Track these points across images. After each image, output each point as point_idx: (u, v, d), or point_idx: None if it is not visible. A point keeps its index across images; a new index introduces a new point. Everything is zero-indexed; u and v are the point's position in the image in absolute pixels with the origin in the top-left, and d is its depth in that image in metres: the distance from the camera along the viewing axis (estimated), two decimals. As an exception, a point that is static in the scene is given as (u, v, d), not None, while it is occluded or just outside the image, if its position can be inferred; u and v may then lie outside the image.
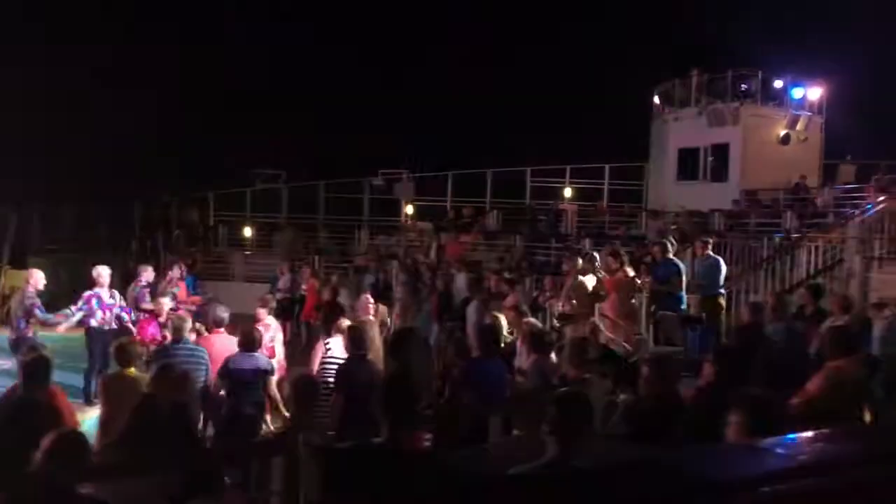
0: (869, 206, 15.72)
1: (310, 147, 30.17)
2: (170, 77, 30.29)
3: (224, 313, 8.69)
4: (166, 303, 10.85)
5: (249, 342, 7.68)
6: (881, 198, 15.78)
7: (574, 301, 10.22)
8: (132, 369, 6.97)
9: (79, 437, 4.17)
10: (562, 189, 26.61)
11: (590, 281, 10.30)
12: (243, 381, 7.48)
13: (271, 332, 9.59)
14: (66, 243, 22.51)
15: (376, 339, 8.33)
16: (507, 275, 15.09)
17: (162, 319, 10.10)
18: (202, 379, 7.63)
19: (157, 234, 24.49)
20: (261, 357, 7.84)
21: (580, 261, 10.99)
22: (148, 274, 12.81)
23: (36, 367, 5.80)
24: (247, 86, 31.69)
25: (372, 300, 10.43)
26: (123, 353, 7.03)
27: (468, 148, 29.70)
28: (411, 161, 27.11)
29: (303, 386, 5.74)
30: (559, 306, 10.73)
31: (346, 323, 8.13)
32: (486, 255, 21.67)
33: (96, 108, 27.73)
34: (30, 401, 5.54)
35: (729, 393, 4.21)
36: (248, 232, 25.14)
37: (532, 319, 9.24)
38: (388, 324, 11.67)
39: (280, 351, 9.75)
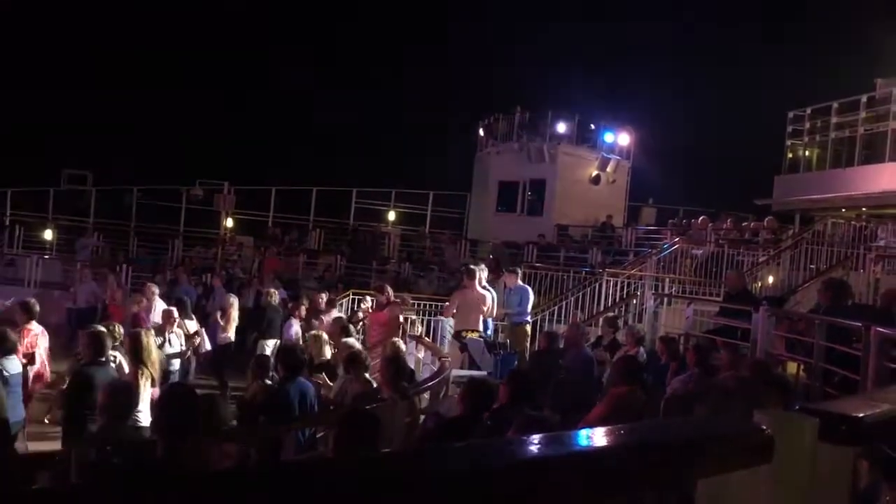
0: (665, 245, 17.08)
1: (123, 149, 28.61)
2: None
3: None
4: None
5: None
6: (676, 240, 17.20)
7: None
8: None
9: None
10: (386, 212, 26.87)
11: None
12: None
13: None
14: None
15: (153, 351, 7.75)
16: (325, 294, 15.05)
17: None
18: None
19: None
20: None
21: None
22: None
23: None
24: (59, 76, 29.65)
25: (177, 313, 10.05)
26: None
27: (292, 163, 29.36)
28: (232, 172, 26.40)
29: (114, 394, 5.09)
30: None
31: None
32: (306, 273, 21.45)
33: None
34: None
35: (516, 414, 4.38)
36: (48, 234, 23.35)
37: (350, 339, 9.23)
38: (199, 337, 11.26)
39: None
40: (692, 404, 7.68)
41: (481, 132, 26.48)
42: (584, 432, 1.29)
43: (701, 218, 19.50)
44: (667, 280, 14.73)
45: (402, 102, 32.58)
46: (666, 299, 13.07)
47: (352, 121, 31.84)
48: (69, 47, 30.32)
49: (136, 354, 6.63)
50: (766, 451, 1.42)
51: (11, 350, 7.44)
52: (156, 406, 3.64)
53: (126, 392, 4.70)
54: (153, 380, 6.52)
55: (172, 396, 3.58)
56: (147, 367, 6.43)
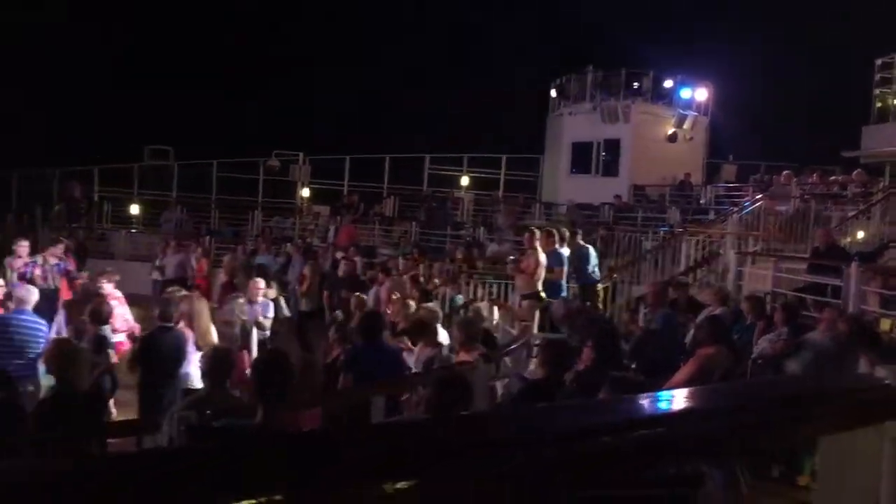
0: (747, 203, 16.58)
1: (202, 123, 29.24)
2: (59, 46, 28.76)
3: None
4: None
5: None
6: (758, 196, 16.67)
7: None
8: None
9: None
10: (459, 178, 26.84)
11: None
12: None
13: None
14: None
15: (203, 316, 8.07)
16: (402, 260, 15.27)
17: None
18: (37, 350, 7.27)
19: (35, 208, 23.22)
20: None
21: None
22: (23, 249, 12.16)
23: None
24: (139, 57, 30.43)
25: (263, 283, 10.33)
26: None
27: (367, 132, 29.53)
28: (307, 142, 26.76)
29: (215, 359, 5.25)
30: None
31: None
32: (382, 240, 21.70)
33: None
34: None
35: (602, 376, 4.35)
36: (134, 209, 24.18)
37: (430, 304, 9.33)
38: (283, 306, 11.53)
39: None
40: (781, 364, 7.51)
41: (553, 93, 26.10)
42: (705, 388, 1.27)
43: (784, 173, 18.82)
44: (750, 238, 14.30)
45: (473, 65, 32.34)
46: (750, 258, 12.71)
47: (422, 87, 31.81)
48: (148, 27, 31.06)
49: (191, 319, 7.23)
50: (892, 406, 1.36)
51: (107, 321, 7.82)
52: (253, 372, 3.75)
53: (225, 358, 4.86)
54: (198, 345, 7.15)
55: (269, 362, 3.68)
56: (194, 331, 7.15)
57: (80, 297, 10.12)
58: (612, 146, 23.95)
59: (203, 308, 7.59)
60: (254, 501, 1.07)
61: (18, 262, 11.79)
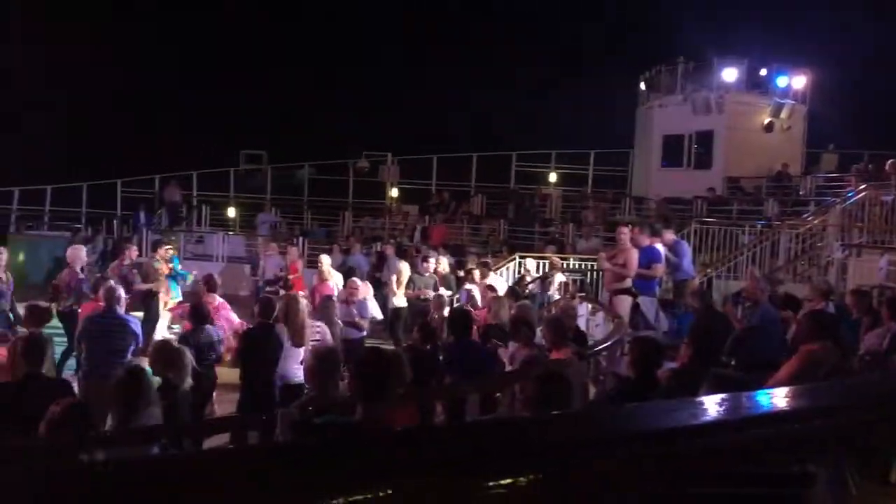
0: (850, 193, 15.90)
1: (291, 127, 30.01)
2: (154, 55, 30.04)
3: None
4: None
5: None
6: (862, 186, 15.96)
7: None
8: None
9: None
10: (547, 174, 26.67)
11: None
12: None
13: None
14: (45, 222, 22.48)
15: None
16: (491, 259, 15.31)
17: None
18: (130, 349, 7.61)
19: (139, 212, 24.34)
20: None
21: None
22: (132, 253, 12.77)
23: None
24: (230, 65, 31.43)
25: (359, 283, 10.57)
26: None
27: (452, 131, 29.66)
28: (395, 143, 27.10)
29: (320, 358, 5.28)
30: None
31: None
32: (470, 238, 21.78)
33: (78, 85, 27.47)
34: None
35: (701, 374, 4.27)
36: (231, 212, 25.02)
37: (526, 302, 9.33)
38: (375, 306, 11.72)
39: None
40: (889, 361, 7.18)
41: (642, 86, 25.64)
42: (810, 386, 1.25)
43: (889, 162, 17.97)
44: (854, 230, 13.72)
45: (559, 60, 32.02)
46: (854, 250, 12.20)
47: (508, 83, 31.72)
48: (241, 34, 32.03)
49: (288, 317, 7.51)
50: None
51: (207, 320, 8.17)
52: (353, 370, 3.85)
53: (329, 357, 5.00)
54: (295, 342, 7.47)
55: (369, 360, 3.77)
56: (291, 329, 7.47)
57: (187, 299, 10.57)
58: (705, 138, 23.33)
59: (300, 307, 7.81)
60: (355, 496, 1.11)
61: (120, 264, 12.35)
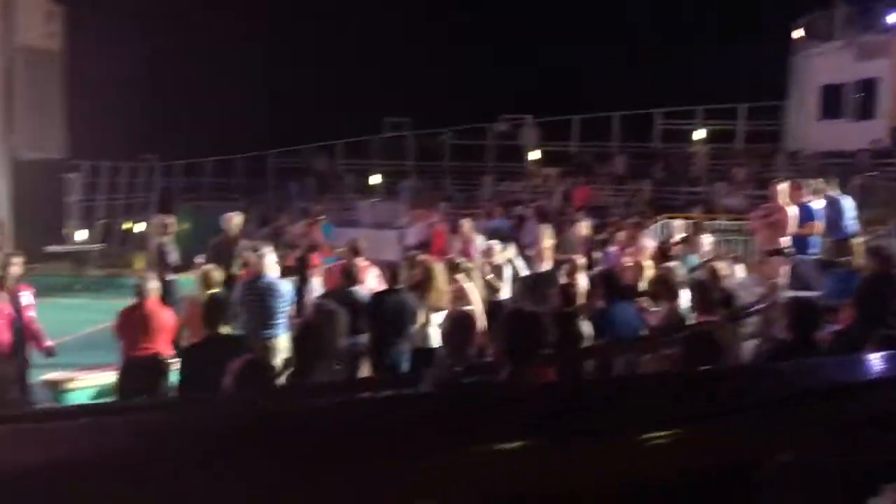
0: None
1: (432, 94, 30.22)
2: (299, 31, 31.00)
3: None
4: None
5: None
6: None
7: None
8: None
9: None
10: (693, 131, 25.62)
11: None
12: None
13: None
14: (204, 192, 24.05)
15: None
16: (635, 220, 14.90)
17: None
18: (283, 311, 7.92)
19: (290, 182, 25.50)
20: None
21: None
22: (290, 222, 13.46)
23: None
24: (370, 34, 31.95)
25: (499, 245, 10.59)
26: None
27: (592, 90, 28.94)
28: (535, 105, 26.78)
29: (454, 323, 5.34)
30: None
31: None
32: (613, 200, 21.35)
33: (232, 63, 28.82)
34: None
35: (866, 336, 4.03)
36: (375, 179, 25.67)
37: (672, 263, 9.07)
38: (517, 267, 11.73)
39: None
40: None
41: (798, 33, 24.04)
42: None
43: None
44: None
45: (704, 12, 30.50)
46: None
47: (648, 39, 30.63)
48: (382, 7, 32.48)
49: (424, 283, 7.59)
50: None
51: (356, 281, 8.45)
52: (499, 329, 3.89)
53: (463, 321, 5.07)
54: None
55: (516, 319, 3.79)
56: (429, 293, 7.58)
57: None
58: (869, 86, 21.67)
59: (439, 271, 7.91)
60: (495, 446, 1.12)
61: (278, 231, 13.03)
